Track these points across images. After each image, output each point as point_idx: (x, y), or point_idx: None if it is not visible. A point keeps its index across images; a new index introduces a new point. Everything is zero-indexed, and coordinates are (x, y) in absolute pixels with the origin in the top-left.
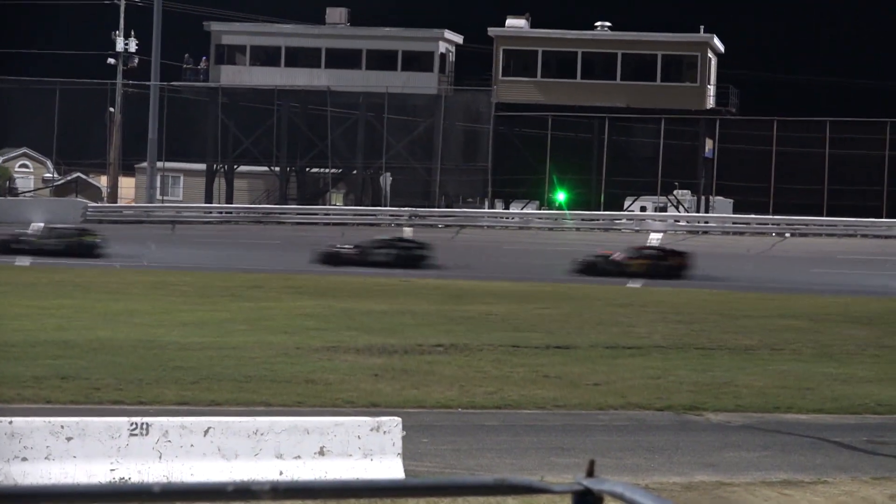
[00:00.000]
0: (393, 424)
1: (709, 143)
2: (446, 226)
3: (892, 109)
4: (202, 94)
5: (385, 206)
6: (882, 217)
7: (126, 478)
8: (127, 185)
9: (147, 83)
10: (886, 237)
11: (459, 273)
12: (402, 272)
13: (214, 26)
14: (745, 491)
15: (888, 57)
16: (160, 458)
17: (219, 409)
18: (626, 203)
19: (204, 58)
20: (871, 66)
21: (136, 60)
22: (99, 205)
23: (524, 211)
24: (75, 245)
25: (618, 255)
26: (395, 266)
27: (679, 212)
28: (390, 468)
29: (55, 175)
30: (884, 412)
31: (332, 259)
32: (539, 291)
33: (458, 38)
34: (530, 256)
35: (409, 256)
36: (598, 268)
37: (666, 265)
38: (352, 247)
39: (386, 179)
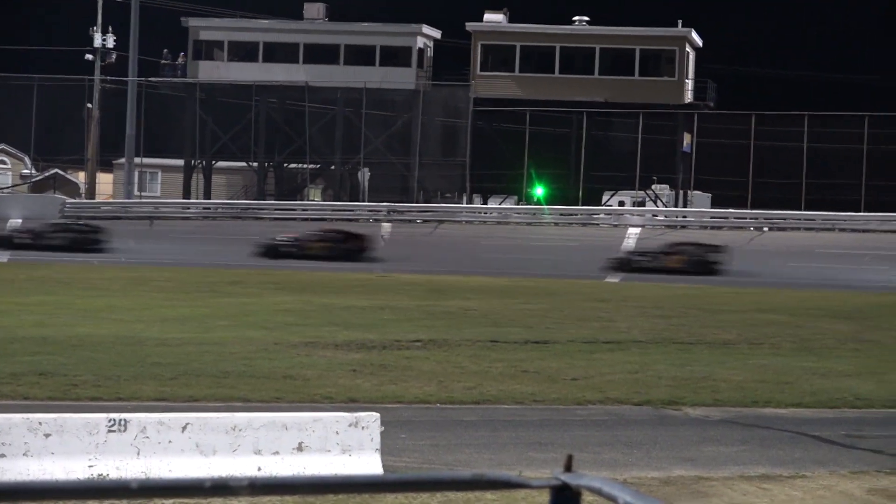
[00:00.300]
0: (371, 420)
1: (687, 138)
2: (424, 221)
3: (870, 103)
4: (180, 90)
5: (363, 201)
6: (860, 211)
7: (104, 474)
8: (105, 181)
9: (125, 79)
10: (864, 231)
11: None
12: (77, 256)
13: (192, 22)
14: (723, 485)
15: (866, 51)
16: (138, 454)
17: (197, 404)
18: (605, 198)
19: (182, 53)
20: (848, 61)
21: (114, 56)
22: (77, 201)
23: (502, 206)
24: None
25: (298, 238)
26: (70, 250)
27: (657, 206)
28: (368, 464)
29: (33, 171)
30: (862, 406)
31: (4, 243)
32: (520, 287)
33: (436, 33)
34: None
35: (84, 240)
36: (279, 250)
37: (345, 247)
38: (26, 231)
39: (364, 175)
